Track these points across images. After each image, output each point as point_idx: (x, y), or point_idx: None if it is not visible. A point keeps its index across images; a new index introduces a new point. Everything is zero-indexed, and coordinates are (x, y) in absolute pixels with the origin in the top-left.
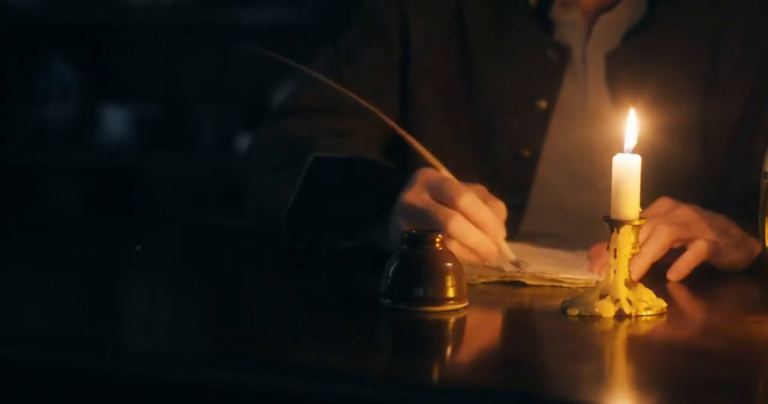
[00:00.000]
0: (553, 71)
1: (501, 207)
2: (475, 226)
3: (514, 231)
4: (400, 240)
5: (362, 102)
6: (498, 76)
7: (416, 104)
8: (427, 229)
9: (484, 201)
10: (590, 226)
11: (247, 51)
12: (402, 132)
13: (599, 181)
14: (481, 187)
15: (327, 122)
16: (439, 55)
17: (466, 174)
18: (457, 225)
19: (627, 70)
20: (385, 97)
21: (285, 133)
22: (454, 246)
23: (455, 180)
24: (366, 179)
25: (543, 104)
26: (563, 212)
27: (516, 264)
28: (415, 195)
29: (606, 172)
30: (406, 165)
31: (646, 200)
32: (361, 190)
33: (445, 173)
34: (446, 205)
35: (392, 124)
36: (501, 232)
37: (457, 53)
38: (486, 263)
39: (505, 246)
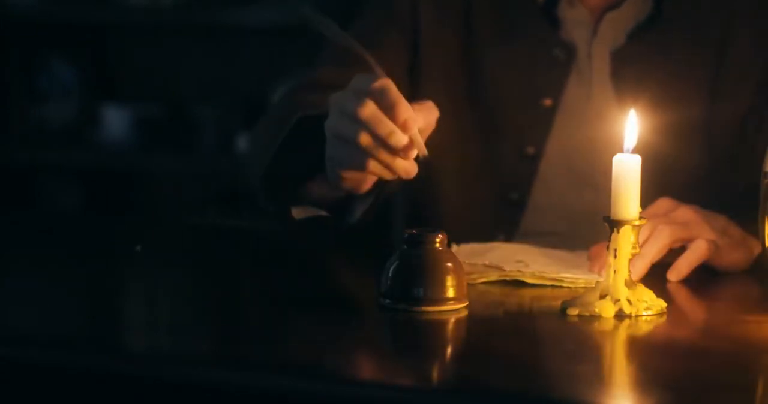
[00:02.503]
0: (559, 69)
1: (430, 104)
2: (385, 111)
3: (514, 229)
4: (401, 240)
5: (365, 55)
6: (504, 72)
7: (423, 94)
8: (426, 229)
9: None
10: (591, 225)
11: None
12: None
13: (601, 180)
14: (430, 104)
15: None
16: (445, 48)
17: (469, 169)
18: (367, 109)
19: (632, 69)
20: (399, 81)
21: (290, 99)
22: (371, 165)
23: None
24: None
25: (548, 102)
26: (564, 210)
27: (425, 158)
28: (342, 92)
29: (608, 171)
30: None
31: (649, 200)
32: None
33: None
34: (361, 94)
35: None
36: (415, 120)
37: (463, 48)
38: (402, 171)
39: (419, 140)
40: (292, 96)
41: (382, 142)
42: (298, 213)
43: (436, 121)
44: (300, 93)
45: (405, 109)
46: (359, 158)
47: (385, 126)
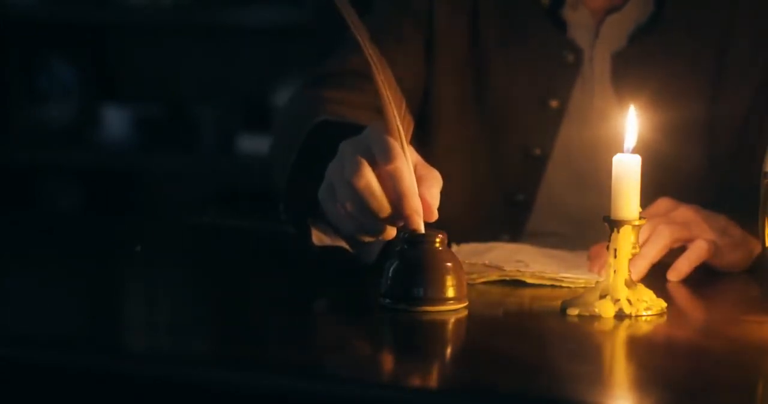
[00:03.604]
0: (567, 71)
1: (435, 175)
2: (384, 179)
3: (520, 229)
4: (400, 239)
5: (375, 63)
6: (511, 73)
7: (432, 96)
8: (426, 229)
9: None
10: (596, 226)
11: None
12: (383, 91)
13: (605, 182)
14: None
15: (357, 96)
16: (454, 49)
17: (476, 170)
18: (363, 181)
19: (633, 70)
20: (420, 73)
21: (309, 100)
22: (350, 227)
23: (390, 136)
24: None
25: (555, 103)
26: (570, 211)
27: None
28: (354, 142)
29: (611, 172)
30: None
31: (649, 200)
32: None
33: (400, 143)
34: (369, 156)
35: (379, 74)
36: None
37: (471, 49)
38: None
39: (419, 211)
40: (318, 91)
41: (369, 214)
42: (318, 238)
43: (440, 191)
44: (327, 88)
45: (408, 184)
46: (342, 218)
47: (375, 201)
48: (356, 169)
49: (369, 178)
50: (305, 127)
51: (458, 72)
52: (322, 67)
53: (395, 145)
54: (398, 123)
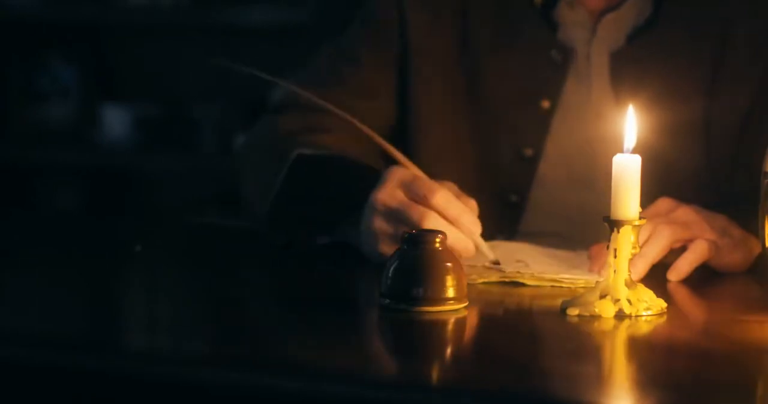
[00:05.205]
0: (556, 71)
1: (473, 204)
2: (449, 223)
3: (514, 229)
4: (400, 240)
5: (335, 109)
6: (501, 74)
7: (415, 103)
8: (426, 230)
9: (456, 198)
10: (590, 225)
11: (227, 66)
12: (368, 131)
13: (600, 181)
14: (451, 185)
15: (319, 118)
16: (440, 53)
17: (468, 171)
18: (433, 223)
19: (631, 70)
20: (383, 96)
21: (277, 128)
22: None
23: (426, 177)
24: (343, 177)
25: (546, 103)
26: (563, 211)
27: (496, 263)
28: (388, 194)
29: (607, 171)
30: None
31: (649, 200)
32: (337, 188)
33: (416, 171)
34: (419, 203)
35: (359, 125)
36: (476, 228)
37: (460, 51)
38: (466, 261)
39: (483, 244)
40: (290, 128)
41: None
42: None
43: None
44: (287, 120)
45: (467, 220)
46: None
47: (450, 235)
48: (421, 215)
49: (436, 219)
50: (285, 160)
51: (446, 76)
52: (277, 100)
53: (425, 183)
54: (407, 160)
